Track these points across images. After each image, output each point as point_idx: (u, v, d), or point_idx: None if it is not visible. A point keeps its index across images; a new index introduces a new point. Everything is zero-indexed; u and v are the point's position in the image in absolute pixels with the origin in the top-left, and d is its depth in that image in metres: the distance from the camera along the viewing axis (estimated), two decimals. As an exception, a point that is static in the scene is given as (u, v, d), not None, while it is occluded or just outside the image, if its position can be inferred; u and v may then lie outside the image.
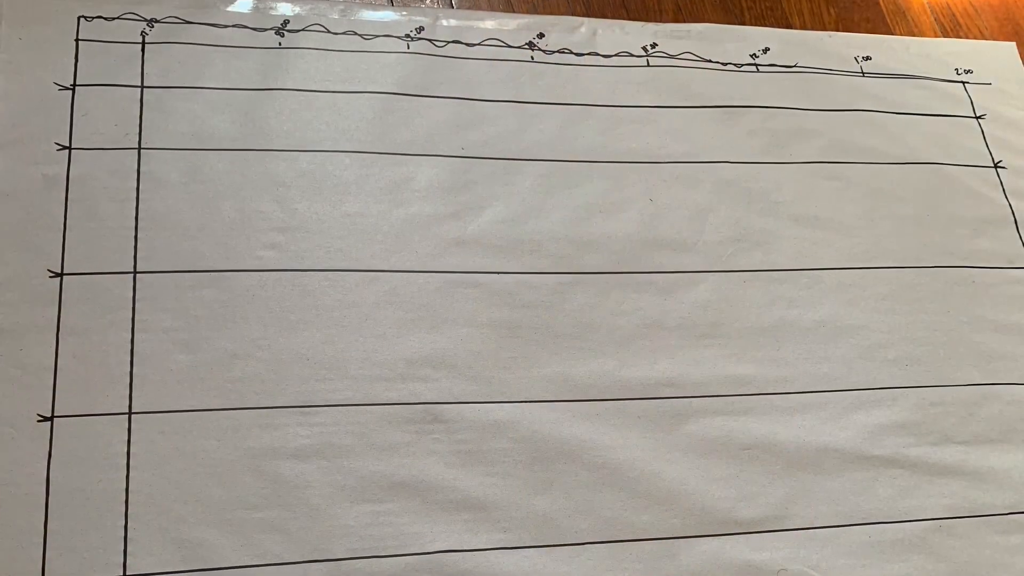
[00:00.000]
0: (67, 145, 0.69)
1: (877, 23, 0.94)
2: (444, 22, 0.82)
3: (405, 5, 0.82)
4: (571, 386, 0.69)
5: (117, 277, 0.66)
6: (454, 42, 0.81)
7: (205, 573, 0.59)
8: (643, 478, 0.66)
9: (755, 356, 0.72)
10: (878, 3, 0.95)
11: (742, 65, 0.86)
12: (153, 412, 0.62)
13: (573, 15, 0.86)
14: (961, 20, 0.96)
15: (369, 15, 0.80)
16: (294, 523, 0.61)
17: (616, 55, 0.84)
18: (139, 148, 0.70)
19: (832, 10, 0.93)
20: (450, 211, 0.73)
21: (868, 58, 0.90)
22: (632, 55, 0.84)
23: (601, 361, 0.70)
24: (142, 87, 0.72)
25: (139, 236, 0.67)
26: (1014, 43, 0.95)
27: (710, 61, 0.86)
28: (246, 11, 0.78)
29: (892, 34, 0.93)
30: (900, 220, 0.81)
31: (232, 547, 0.59)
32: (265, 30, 0.77)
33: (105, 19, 0.74)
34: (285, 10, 0.78)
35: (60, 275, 0.65)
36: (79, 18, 0.74)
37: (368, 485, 0.63)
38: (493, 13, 0.83)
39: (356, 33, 0.79)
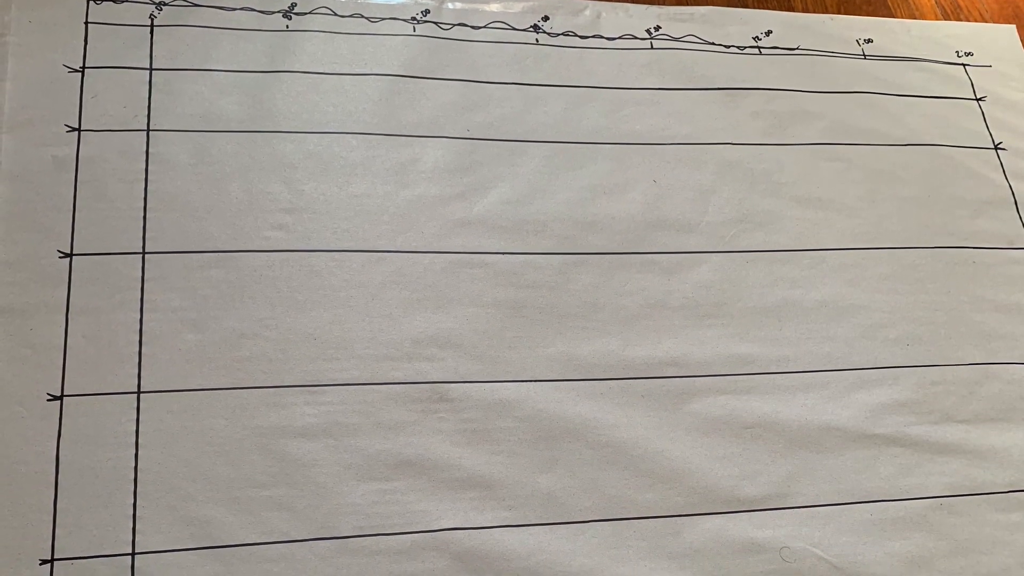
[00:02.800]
0: (76, 127, 0.67)
1: (878, 6, 0.91)
2: (449, 5, 0.79)
3: (411, -12, 0.80)
4: (576, 365, 0.67)
5: (126, 257, 0.64)
6: (459, 25, 0.78)
7: (213, 551, 0.57)
8: (647, 456, 0.65)
9: (758, 336, 0.70)
10: (879, -14, 0.92)
11: (745, 48, 0.84)
12: (162, 391, 0.60)
13: (577, -2, 0.83)
14: (961, 3, 0.94)
15: (375, -2, 0.78)
16: (301, 501, 0.59)
17: (620, 38, 0.82)
18: (148, 130, 0.68)
19: (834, -7, 0.91)
20: (456, 192, 0.71)
21: (869, 41, 0.87)
22: (636, 38, 0.82)
23: (605, 341, 0.68)
24: (151, 69, 0.70)
25: (148, 217, 0.65)
26: (1014, 26, 0.92)
27: (713, 44, 0.84)
28: (254, -6, 0.75)
29: (893, 17, 0.91)
30: (901, 201, 0.79)
31: (240, 525, 0.58)
32: (272, 13, 0.75)
33: (114, 2, 0.72)
34: (292, -7, 0.76)
35: (69, 255, 0.63)
36: (88, 1, 0.72)
37: (374, 463, 0.61)
38: (498, -4, 0.81)
39: (362, 16, 0.77)
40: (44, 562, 0.55)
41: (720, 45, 0.84)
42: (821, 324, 0.72)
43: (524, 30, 0.80)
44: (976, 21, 0.93)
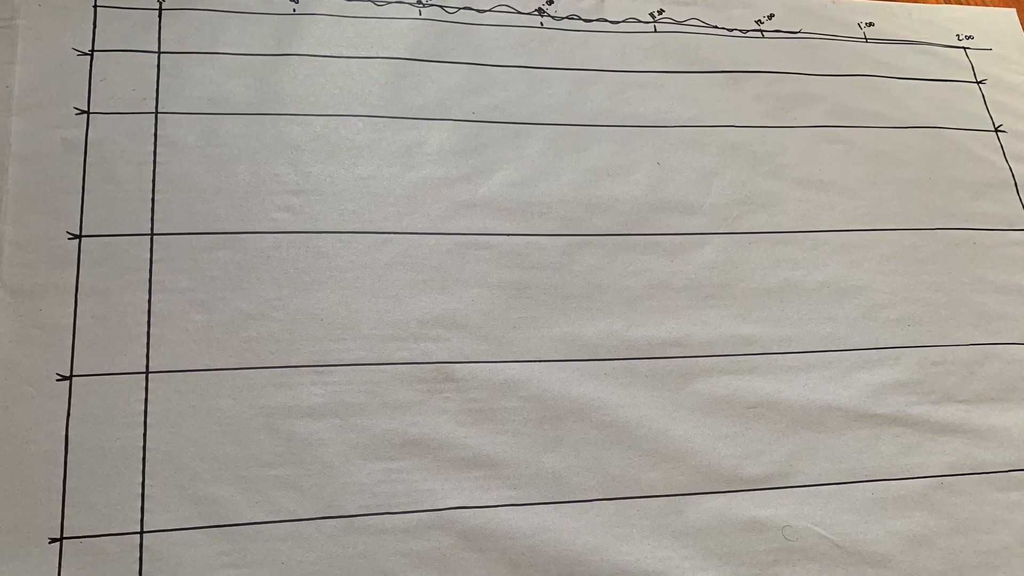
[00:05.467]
0: (85, 109, 0.65)
1: (879, -11, 0.89)
2: (455, -12, 0.77)
3: (417, -28, 0.77)
4: (580, 346, 0.65)
5: (134, 239, 0.62)
6: (465, 8, 0.76)
7: (221, 529, 0.55)
8: (650, 436, 0.63)
9: (760, 316, 0.68)
10: (880, -30, 0.89)
11: (747, 31, 0.82)
12: (170, 371, 0.59)
13: (582, -18, 0.81)
14: (962, -13, 0.91)
15: (381, -19, 0.75)
16: (308, 480, 0.57)
17: (624, 21, 0.79)
18: (156, 112, 0.66)
19: (835, -23, 0.88)
20: (461, 174, 0.69)
21: (871, 24, 0.85)
22: (640, 21, 0.80)
23: (609, 321, 0.66)
24: (159, 52, 0.68)
25: (156, 199, 0.63)
26: (1014, 9, 0.90)
27: (716, 27, 0.81)
28: (261, -23, 0.73)
29: (894, 0, 0.88)
30: (902, 183, 0.77)
31: (247, 504, 0.56)
32: (280, -4, 0.73)
33: (123, -15, 0.70)
34: (299, -24, 0.74)
35: (78, 237, 0.61)
36: (97, -16, 0.69)
37: (381, 443, 0.59)
38: (503, -20, 0.78)
39: (369, -1, 0.74)
40: (53, 540, 0.54)
41: (723, 28, 0.81)
42: (823, 305, 0.70)
43: (529, 14, 0.77)
44: (976, 5, 0.90)
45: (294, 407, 0.59)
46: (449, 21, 0.75)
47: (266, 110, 0.68)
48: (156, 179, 0.64)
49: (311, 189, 0.66)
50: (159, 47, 0.68)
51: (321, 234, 0.64)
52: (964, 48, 0.86)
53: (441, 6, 0.76)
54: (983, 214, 0.77)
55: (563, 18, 0.78)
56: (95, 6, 0.69)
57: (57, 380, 0.57)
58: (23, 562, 0.53)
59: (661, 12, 0.80)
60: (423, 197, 0.67)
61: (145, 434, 0.57)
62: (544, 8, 0.78)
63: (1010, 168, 0.80)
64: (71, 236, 0.61)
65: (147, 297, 0.60)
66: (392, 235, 0.65)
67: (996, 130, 0.82)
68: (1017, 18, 0.89)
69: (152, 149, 0.65)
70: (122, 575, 0.54)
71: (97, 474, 0.55)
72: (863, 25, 0.85)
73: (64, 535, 0.54)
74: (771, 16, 0.83)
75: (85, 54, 0.67)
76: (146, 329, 0.60)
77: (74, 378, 0.57)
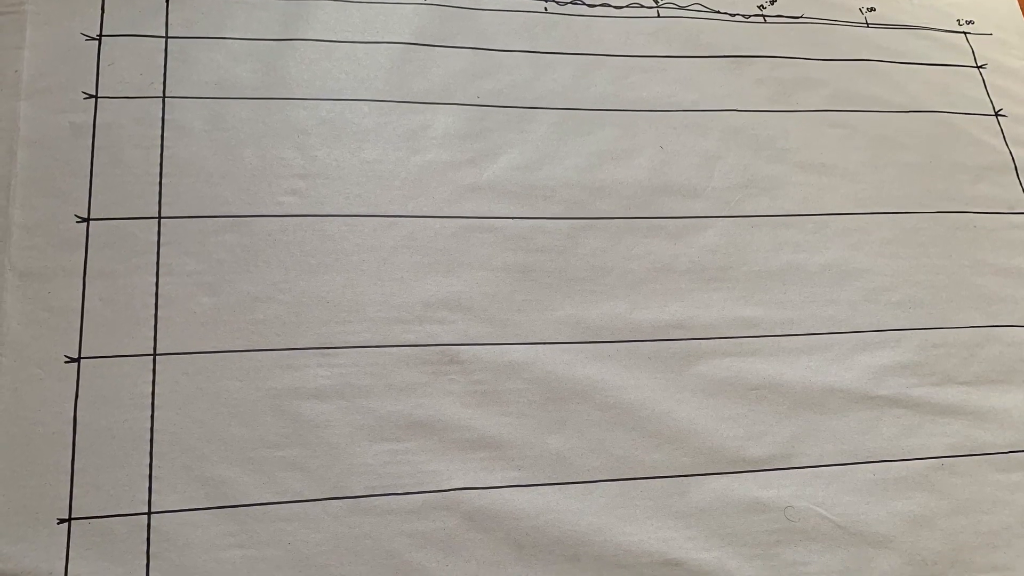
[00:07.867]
0: (93, 94, 0.63)
1: (881, -25, 0.86)
2: (460, -26, 0.75)
3: (422, -43, 0.75)
4: (584, 328, 0.63)
5: (142, 222, 0.60)
6: (470, -7, 0.74)
7: (228, 510, 0.54)
8: (654, 418, 0.61)
9: (763, 299, 0.67)
10: (881, -44, 0.87)
11: (750, 16, 0.79)
12: (177, 353, 0.57)
13: (586, -33, 0.78)
14: (963, -28, 0.88)
15: (387, -33, 0.73)
16: (314, 461, 0.56)
17: (627, 6, 0.77)
18: (163, 97, 0.64)
19: (837, -37, 0.86)
20: (466, 158, 0.67)
21: (872, 9, 0.82)
22: (643, 6, 0.77)
23: (613, 304, 0.64)
24: (166, 37, 0.66)
25: (163, 182, 0.62)
26: (1014, -6, 0.87)
27: (719, 12, 0.79)
28: (267, -37, 0.71)
29: (895, -14, 0.86)
30: (904, 167, 0.75)
31: (254, 485, 0.55)
32: (286, -18, 0.71)
33: (130, -29, 0.68)
34: (305, -38, 0.72)
35: (87, 220, 0.60)
36: (105, -30, 0.67)
37: (386, 424, 0.58)
38: (508, -34, 0.76)
39: (374, -16, 0.72)
40: (62, 521, 0.52)
41: (725, 13, 0.79)
42: (824, 288, 0.68)
43: (533, -2, 0.75)
44: (977, -10, 0.88)
45: (300, 389, 0.58)
46: (454, 6, 0.73)
47: (272, 94, 0.66)
48: (163, 163, 0.62)
49: (317, 173, 0.64)
50: (166, 32, 0.67)
51: (327, 217, 0.63)
52: (965, 33, 0.83)
53: (446, -9, 0.74)
54: (983, 197, 0.75)
55: (567, 3, 0.76)
56: (103, -9, 0.67)
57: (65, 362, 0.56)
58: (32, 542, 0.51)
59: (664, -3, 0.78)
60: (428, 181, 0.65)
61: (153, 415, 0.55)
62: (548, -7, 0.76)
63: (1010, 152, 0.77)
64: (79, 219, 0.60)
65: (155, 280, 0.59)
66: (398, 218, 0.64)
67: (996, 114, 0.79)
68: (1017, 3, 0.87)
69: (159, 133, 0.63)
70: (130, 555, 0.52)
71: (105, 455, 0.54)
72: (864, 10, 0.82)
73: (72, 516, 0.52)
74: (773, 1, 0.80)
75: (93, 39, 0.65)
76: (154, 311, 0.58)
77: (82, 360, 0.56)
